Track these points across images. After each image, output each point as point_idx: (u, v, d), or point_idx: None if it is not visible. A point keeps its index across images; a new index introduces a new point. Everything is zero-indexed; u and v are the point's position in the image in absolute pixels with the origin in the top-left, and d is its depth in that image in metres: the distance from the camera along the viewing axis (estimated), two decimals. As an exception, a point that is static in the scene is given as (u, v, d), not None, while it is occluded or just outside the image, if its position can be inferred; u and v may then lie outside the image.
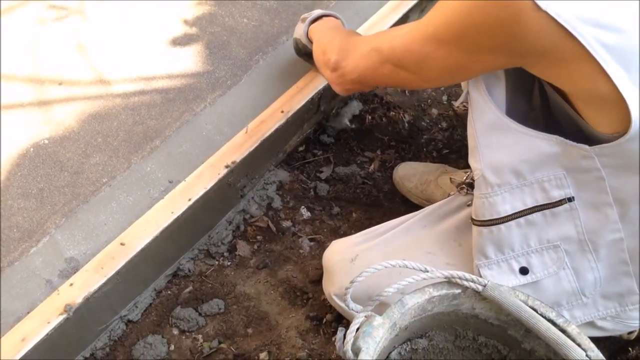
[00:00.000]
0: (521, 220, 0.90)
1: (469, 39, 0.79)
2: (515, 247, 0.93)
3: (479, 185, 0.94)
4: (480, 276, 0.96)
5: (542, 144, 0.85)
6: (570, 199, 0.86)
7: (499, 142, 0.89)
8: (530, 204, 0.89)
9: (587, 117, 0.80)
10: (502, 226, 0.92)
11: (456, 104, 1.09)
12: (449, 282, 0.88)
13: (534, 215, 0.90)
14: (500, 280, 0.94)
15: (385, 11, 1.69)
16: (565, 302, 0.94)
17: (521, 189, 0.89)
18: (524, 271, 0.93)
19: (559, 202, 0.87)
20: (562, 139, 0.83)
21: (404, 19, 1.69)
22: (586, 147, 0.80)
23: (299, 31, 1.42)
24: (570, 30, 0.69)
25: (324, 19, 1.37)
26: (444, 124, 1.68)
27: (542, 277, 0.93)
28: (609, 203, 0.84)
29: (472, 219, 0.98)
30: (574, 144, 0.81)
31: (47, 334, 1.09)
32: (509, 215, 0.91)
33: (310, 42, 1.36)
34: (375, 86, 1.15)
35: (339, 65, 1.09)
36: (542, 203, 0.88)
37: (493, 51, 0.79)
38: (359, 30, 1.64)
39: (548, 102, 0.92)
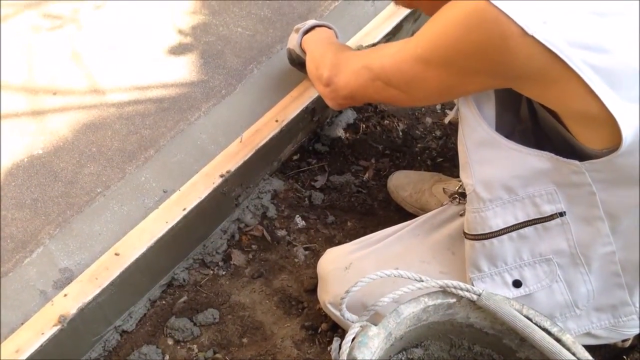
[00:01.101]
0: (513, 234, 0.91)
1: (457, 62, 0.80)
2: (508, 260, 0.93)
3: (470, 200, 0.94)
4: None
5: (533, 160, 0.85)
6: (561, 214, 0.87)
7: (490, 158, 0.90)
8: (522, 218, 0.90)
9: (577, 135, 0.81)
10: (494, 240, 0.93)
11: (446, 120, 1.10)
12: (444, 291, 0.88)
13: (526, 229, 0.90)
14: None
15: (379, 20, 1.70)
16: (559, 314, 0.95)
17: (512, 204, 0.90)
18: (517, 284, 0.94)
19: (551, 217, 0.88)
20: (552, 155, 0.83)
21: (397, 28, 1.70)
22: (577, 162, 0.81)
23: (293, 41, 1.42)
24: (558, 54, 0.70)
25: (317, 29, 1.38)
26: (438, 133, 1.69)
27: (535, 290, 0.93)
28: (600, 217, 0.85)
29: (465, 233, 0.98)
30: (565, 160, 0.82)
31: (42, 345, 1.09)
32: (501, 230, 0.92)
33: (304, 52, 1.37)
34: (368, 102, 1.17)
35: (331, 81, 1.10)
36: (533, 217, 0.89)
37: (481, 74, 0.80)
38: (353, 39, 1.65)
39: (538, 119, 0.93)
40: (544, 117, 0.89)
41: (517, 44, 0.71)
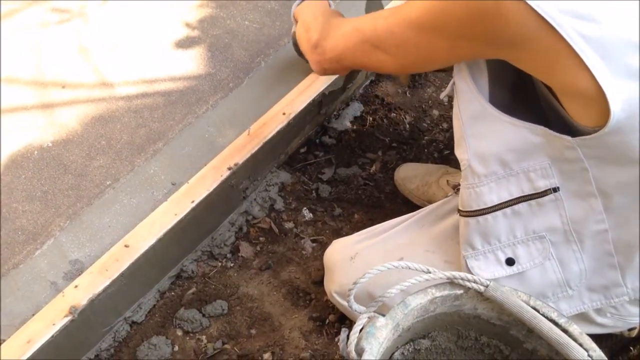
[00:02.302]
0: (507, 210, 0.91)
1: (449, 27, 0.80)
2: (502, 238, 0.93)
3: (465, 176, 0.94)
4: (467, 267, 0.97)
5: (527, 133, 0.85)
6: (555, 189, 0.87)
7: (485, 132, 0.90)
8: (516, 194, 0.90)
9: (570, 110, 0.80)
10: (488, 216, 0.92)
11: (442, 95, 1.09)
12: (451, 282, 0.89)
13: (520, 205, 0.90)
14: (486, 270, 0.95)
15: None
16: (551, 293, 0.95)
17: (507, 179, 0.90)
18: (510, 262, 0.94)
19: (544, 192, 0.87)
20: (545, 129, 0.83)
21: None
22: (569, 138, 0.81)
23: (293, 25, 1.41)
24: (550, 21, 0.69)
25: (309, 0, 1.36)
26: (445, 125, 1.69)
27: (528, 268, 0.93)
28: (593, 193, 0.85)
29: (459, 210, 0.98)
30: (557, 134, 0.82)
31: (53, 336, 1.10)
32: (495, 205, 0.92)
33: (296, 21, 1.35)
34: (352, 69, 1.16)
35: (319, 44, 1.09)
36: (528, 193, 0.89)
37: (473, 40, 0.80)
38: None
39: (536, 94, 0.92)
40: (541, 92, 0.88)
41: (509, 10, 0.71)
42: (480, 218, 0.94)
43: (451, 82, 0.97)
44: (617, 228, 0.88)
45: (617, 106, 0.72)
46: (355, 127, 1.67)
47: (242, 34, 1.68)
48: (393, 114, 1.70)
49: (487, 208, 0.93)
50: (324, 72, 1.16)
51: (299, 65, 1.55)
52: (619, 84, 0.71)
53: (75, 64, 1.58)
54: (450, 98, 1.75)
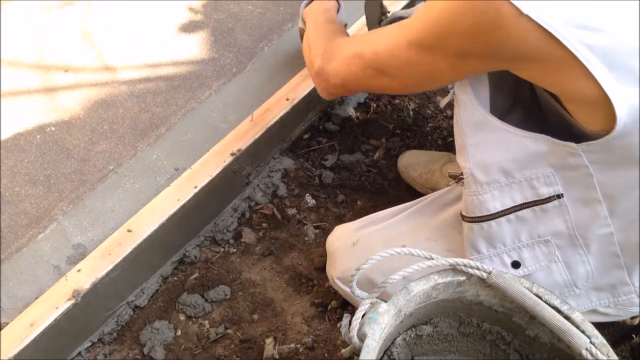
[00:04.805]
0: (511, 216, 0.91)
1: (451, 44, 0.79)
2: (507, 242, 0.93)
3: (468, 184, 0.94)
4: None
5: (529, 142, 0.85)
6: (559, 196, 0.86)
7: (487, 141, 0.90)
8: (519, 200, 0.90)
9: (576, 116, 0.80)
10: (492, 222, 0.92)
11: (441, 104, 1.09)
12: (454, 269, 0.89)
13: (524, 211, 0.90)
14: None
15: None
16: (558, 293, 0.95)
17: (510, 187, 0.89)
18: (515, 265, 0.94)
19: (548, 199, 0.87)
20: (549, 137, 0.83)
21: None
22: (573, 144, 0.80)
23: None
24: (554, 34, 0.68)
25: (318, 1, 1.35)
26: (449, 112, 1.68)
27: (534, 271, 0.93)
28: (598, 199, 0.84)
29: (462, 215, 0.98)
30: (561, 142, 0.81)
31: (56, 319, 1.11)
32: (498, 212, 0.91)
33: (304, 22, 1.34)
34: (359, 91, 1.15)
35: (322, 70, 1.08)
36: (531, 200, 0.89)
37: (476, 56, 0.79)
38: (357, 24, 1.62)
39: (537, 100, 0.92)
40: (543, 97, 0.88)
41: (512, 23, 0.70)
42: (484, 224, 0.94)
43: (452, 91, 0.97)
44: (622, 230, 0.88)
45: (624, 111, 0.72)
46: (358, 114, 1.66)
47: (245, 19, 1.67)
48: (397, 101, 1.69)
49: (490, 215, 0.92)
50: (331, 96, 1.15)
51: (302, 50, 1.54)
52: (625, 90, 0.71)
53: (78, 47, 1.57)
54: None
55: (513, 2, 0.68)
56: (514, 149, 0.87)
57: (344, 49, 1.05)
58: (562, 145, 0.82)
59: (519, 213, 0.91)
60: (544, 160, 0.85)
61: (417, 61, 0.86)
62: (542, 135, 0.83)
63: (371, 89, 1.05)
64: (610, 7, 0.70)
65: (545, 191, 0.87)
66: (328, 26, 1.21)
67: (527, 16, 0.68)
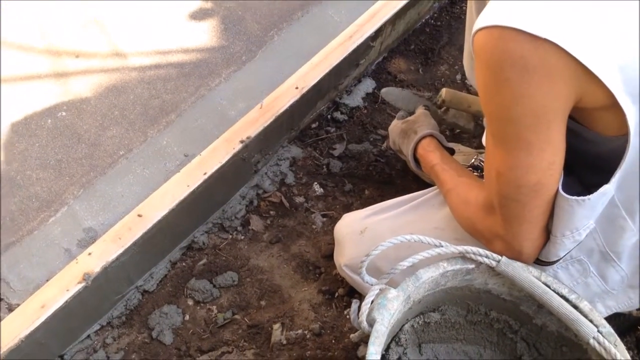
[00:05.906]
0: None
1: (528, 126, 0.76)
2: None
3: None
4: None
5: (575, 205, 0.82)
6: None
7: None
8: None
9: (595, 128, 0.81)
10: None
11: None
12: (463, 257, 0.89)
13: None
14: None
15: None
16: (597, 299, 0.98)
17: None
18: None
19: None
20: (589, 197, 0.80)
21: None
22: (608, 188, 0.80)
23: (395, 131, 1.31)
24: (600, 77, 0.70)
25: (426, 141, 1.22)
26: (457, 104, 1.68)
27: (571, 287, 0.94)
28: (622, 216, 0.86)
29: None
30: (599, 192, 0.80)
31: (66, 302, 1.12)
32: None
33: (416, 162, 1.23)
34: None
35: (510, 246, 0.90)
36: None
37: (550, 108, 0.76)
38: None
39: None
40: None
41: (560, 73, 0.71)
42: None
43: None
44: None
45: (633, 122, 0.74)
46: (367, 104, 1.67)
47: (255, 7, 1.67)
48: (405, 91, 1.69)
49: None
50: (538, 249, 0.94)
51: (312, 39, 1.55)
52: (630, 100, 0.73)
53: (89, 34, 1.58)
54: (464, 76, 1.74)
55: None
56: (563, 217, 0.84)
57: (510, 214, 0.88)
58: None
59: None
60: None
61: (527, 163, 0.79)
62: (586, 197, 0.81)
63: (532, 211, 0.87)
64: (616, 22, 0.71)
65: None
66: (460, 172, 1.09)
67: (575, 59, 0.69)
